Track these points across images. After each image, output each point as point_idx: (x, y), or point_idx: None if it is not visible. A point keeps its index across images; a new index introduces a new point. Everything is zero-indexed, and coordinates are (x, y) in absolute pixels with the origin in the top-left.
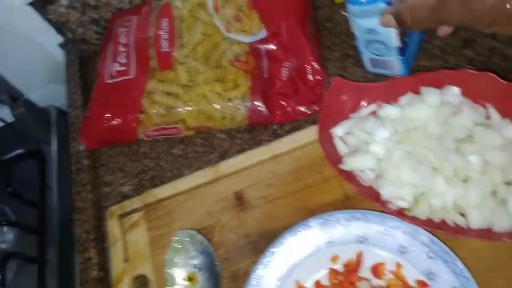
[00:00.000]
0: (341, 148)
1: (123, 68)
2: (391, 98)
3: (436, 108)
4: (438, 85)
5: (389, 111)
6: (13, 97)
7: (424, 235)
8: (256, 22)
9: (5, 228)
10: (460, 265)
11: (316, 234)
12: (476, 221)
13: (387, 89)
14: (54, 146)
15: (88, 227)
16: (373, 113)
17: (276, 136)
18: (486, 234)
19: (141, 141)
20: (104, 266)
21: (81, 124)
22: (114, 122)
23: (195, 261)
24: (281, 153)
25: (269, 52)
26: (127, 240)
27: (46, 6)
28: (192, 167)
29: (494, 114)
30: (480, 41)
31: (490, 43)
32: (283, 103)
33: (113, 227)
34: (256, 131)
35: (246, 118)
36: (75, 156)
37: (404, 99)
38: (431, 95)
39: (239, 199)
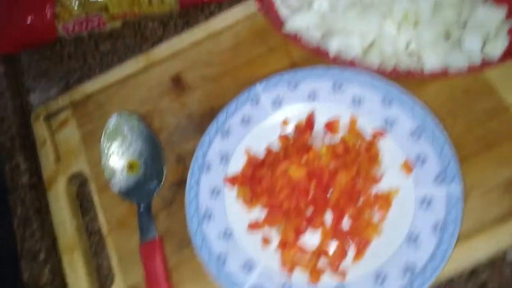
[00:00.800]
0: (284, 12)
1: None
2: None
3: None
4: None
5: None
6: None
7: (379, 81)
8: None
9: None
10: (418, 103)
11: (263, 99)
12: (431, 63)
13: None
14: None
15: (13, 134)
16: None
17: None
18: (442, 74)
19: (64, 41)
20: (36, 172)
21: None
22: (27, 19)
23: (135, 146)
24: (218, 31)
25: None
26: (57, 140)
27: None
28: (123, 63)
29: None
30: None
31: None
32: None
33: (39, 129)
34: (191, 15)
35: (177, 0)
36: None
37: None
38: None
39: (177, 83)
